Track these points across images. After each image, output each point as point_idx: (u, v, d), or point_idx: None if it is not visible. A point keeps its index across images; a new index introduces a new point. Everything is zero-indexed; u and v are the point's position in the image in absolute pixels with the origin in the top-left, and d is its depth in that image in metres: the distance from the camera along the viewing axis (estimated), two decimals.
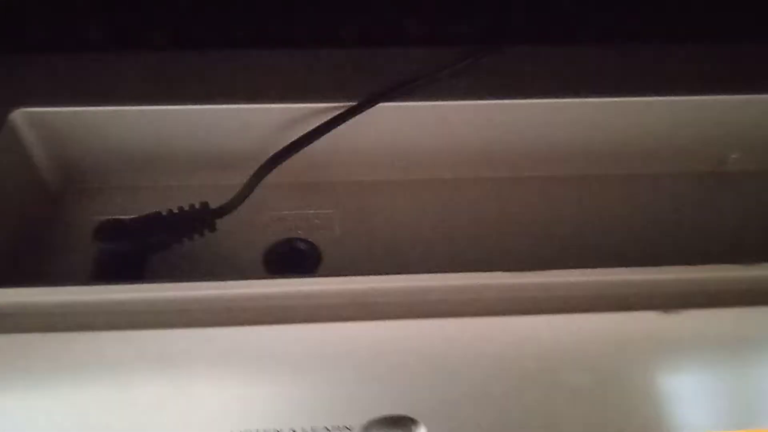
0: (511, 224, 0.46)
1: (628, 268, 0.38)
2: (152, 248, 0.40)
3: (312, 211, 0.45)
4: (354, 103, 0.42)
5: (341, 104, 0.43)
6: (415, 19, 0.50)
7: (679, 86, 0.45)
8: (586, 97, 0.44)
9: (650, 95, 0.45)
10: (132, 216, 0.41)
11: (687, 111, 0.45)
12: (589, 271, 0.38)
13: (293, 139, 0.41)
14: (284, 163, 0.42)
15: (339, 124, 0.42)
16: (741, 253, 0.44)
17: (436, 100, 0.43)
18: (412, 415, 0.38)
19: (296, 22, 0.49)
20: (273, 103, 0.43)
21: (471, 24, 0.50)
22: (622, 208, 0.47)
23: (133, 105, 0.42)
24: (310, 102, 0.43)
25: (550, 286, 0.38)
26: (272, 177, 0.42)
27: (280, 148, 0.42)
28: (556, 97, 0.44)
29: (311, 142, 0.41)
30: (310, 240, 0.44)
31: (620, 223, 0.46)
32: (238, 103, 0.43)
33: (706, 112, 0.46)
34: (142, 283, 0.38)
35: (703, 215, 0.47)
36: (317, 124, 0.42)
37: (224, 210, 0.40)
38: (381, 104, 0.42)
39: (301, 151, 0.42)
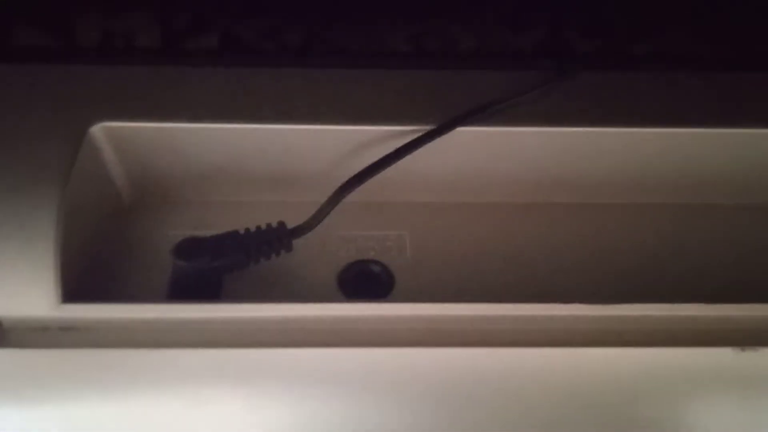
0: (587, 252, 0.45)
1: (706, 305, 0.38)
2: (229, 267, 0.40)
3: (384, 232, 0.45)
4: (430, 127, 0.42)
5: (416, 127, 0.42)
6: (491, 41, 0.49)
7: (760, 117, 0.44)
8: (667, 126, 0.43)
9: (730, 126, 0.44)
10: (208, 234, 0.41)
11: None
12: (666, 306, 0.38)
13: (369, 162, 0.41)
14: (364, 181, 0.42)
15: (417, 148, 0.41)
16: None
17: (514, 125, 0.43)
18: None
19: (373, 42, 0.49)
20: (348, 124, 0.43)
21: (545, 48, 0.49)
22: (703, 239, 0.46)
23: (210, 122, 0.42)
24: (385, 125, 0.43)
25: (627, 319, 0.38)
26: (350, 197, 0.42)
27: (354, 169, 0.42)
28: (635, 125, 0.43)
29: (390, 165, 0.41)
30: (383, 262, 0.44)
31: (707, 254, 0.46)
32: (315, 124, 0.43)
33: None
34: (220, 302, 0.38)
35: None
36: (393, 147, 0.42)
37: (301, 230, 0.41)
38: (459, 128, 0.42)
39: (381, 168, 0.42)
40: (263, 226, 0.41)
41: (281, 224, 0.41)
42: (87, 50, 0.49)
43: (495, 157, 0.44)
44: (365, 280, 0.43)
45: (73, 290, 0.37)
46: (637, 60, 0.50)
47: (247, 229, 0.41)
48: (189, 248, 0.40)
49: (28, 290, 0.36)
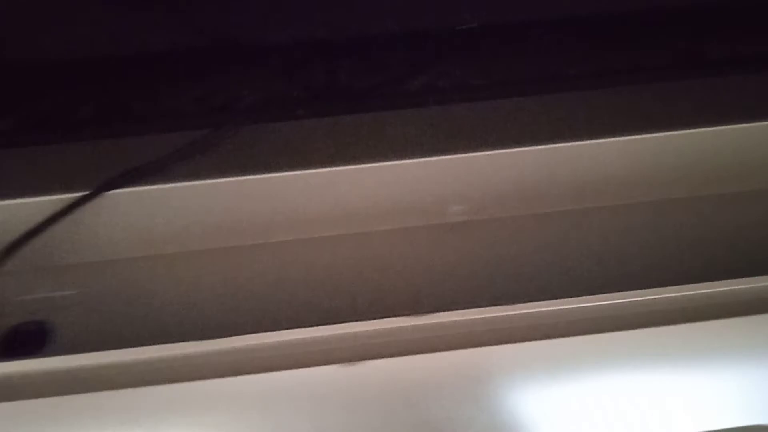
0: None
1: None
2: None
3: (54, 294, 0.49)
4: (83, 193, 0.46)
5: (68, 195, 0.46)
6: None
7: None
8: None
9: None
10: None
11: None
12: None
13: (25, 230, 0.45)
14: (22, 249, 0.45)
15: (67, 214, 0.45)
16: None
17: (161, 183, 0.47)
18: None
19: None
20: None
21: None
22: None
23: None
24: (39, 195, 0.46)
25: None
26: (11, 264, 0.45)
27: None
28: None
29: (42, 232, 0.45)
30: (43, 320, 0.47)
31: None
32: None
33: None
34: None
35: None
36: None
37: None
38: (107, 192, 0.46)
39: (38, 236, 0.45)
40: None
41: None
42: None
43: (149, 214, 0.48)
44: (23, 340, 0.46)
45: None
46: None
47: None
48: None
49: None
